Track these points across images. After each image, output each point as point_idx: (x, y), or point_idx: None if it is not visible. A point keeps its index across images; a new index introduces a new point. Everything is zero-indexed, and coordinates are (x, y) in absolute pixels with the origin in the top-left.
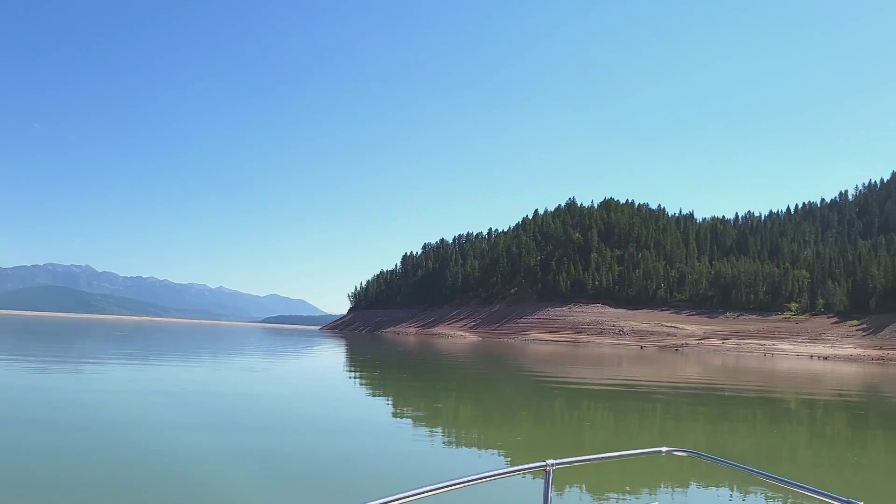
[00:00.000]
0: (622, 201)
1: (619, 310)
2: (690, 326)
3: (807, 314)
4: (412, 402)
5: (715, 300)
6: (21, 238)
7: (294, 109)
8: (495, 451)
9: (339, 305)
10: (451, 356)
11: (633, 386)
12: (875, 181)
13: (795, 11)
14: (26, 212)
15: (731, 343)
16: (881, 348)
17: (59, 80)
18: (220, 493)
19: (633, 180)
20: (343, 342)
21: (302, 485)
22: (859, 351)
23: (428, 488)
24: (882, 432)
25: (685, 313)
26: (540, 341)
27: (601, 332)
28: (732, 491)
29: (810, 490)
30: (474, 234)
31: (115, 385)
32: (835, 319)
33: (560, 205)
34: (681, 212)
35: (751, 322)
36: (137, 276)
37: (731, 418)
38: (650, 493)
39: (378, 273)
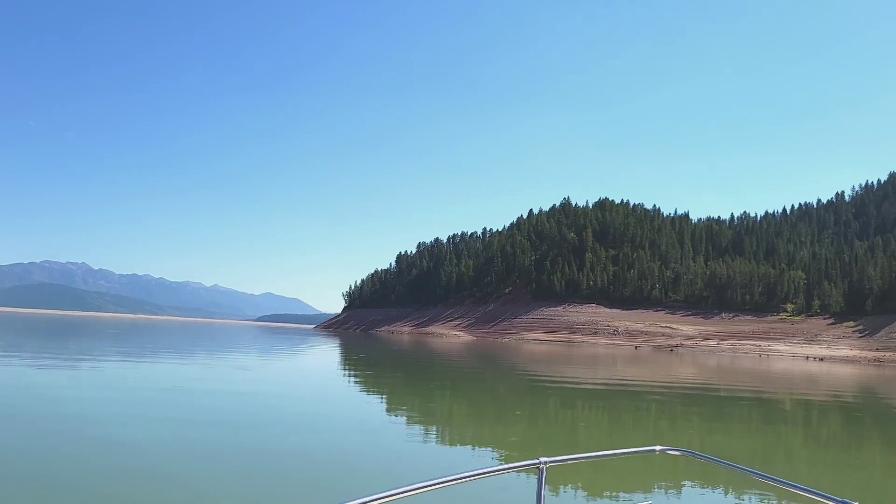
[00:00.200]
0: (617, 201)
1: (614, 310)
2: (685, 327)
3: (802, 315)
4: (406, 401)
5: (710, 301)
6: (17, 235)
7: (288, 107)
8: (489, 449)
9: (334, 304)
10: (445, 355)
11: (627, 386)
12: (872, 182)
13: (792, 15)
14: (22, 209)
15: (726, 344)
16: (877, 350)
17: (51, 74)
18: (214, 488)
19: (628, 180)
20: (337, 341)
21: (295, 480)
22: (855, 352)
23: (422, 485)
24: (877, 433)
25: (680, 314)
26: (534, 341)
27: (596, 332)
28: (727, 490)
29: (805, 490)
30: (469, 233)
31: (107, 382)
32: (831, 321)
33: (555, 204)
34: (676, 212)
35: (746, 323)
36: (133, 274)
37: (725, 419)
38: (644, 492)
39: (373, 272)
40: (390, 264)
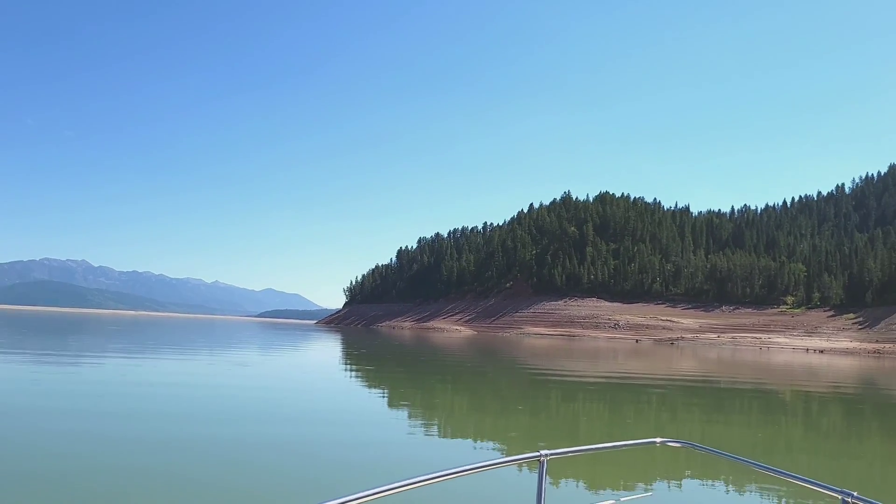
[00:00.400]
0: (617, 195)
1: (615, 303)
2: (686, 320)
3: (803, 308)
4: (408, 395)
5: (710, 294)
6: (17, 233)
7: (288, 106)
8: (490, 443)
9: (335, 300)
10: (446, 350)
11: (628, 379)
12: (872, 174)
13: (793, 12)
14: (22, 207)
15: (726, 337)
16: (877, 341)
17: (51, 74)
18: (219, 479)
19: (628, 174)
20: (339, 336)
21: (296, 474)
22: (855, 344)
23: (423, 478)
24: (877, 424)
25: (681, 307)
26: (535, 335)
27: (596, 326)
28: (727, 481)
29: (804, 480)
30: (469, 228)
31: (111, 377)
32: (831, 313)
33: (555, 198)
34: (676, 205)
35: (746, 316)
36: (133, 271)
37: (726, 411)
38: (645, 484)
39: (373, 267)
40: (391, 259)
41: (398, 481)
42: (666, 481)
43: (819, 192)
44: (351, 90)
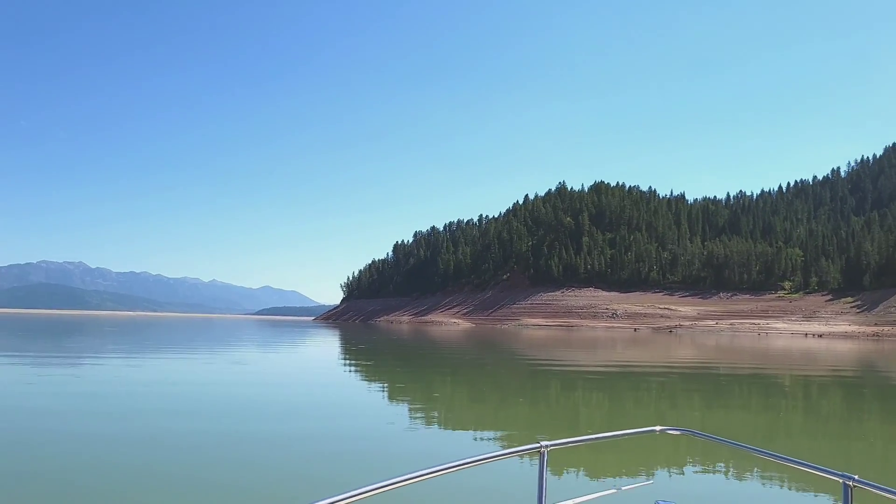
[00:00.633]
0: (613, 184)
1: (612, 293)
2: (684, 308)
3: (800, 293)
4: (407, 389)
5: (708, 281)
6: (14, 236)
7: (282, 101)
8: (490, 435)
9: (333, 296)
10: (444, 343)
11: (627, 368)
12: (867, 157)
13: None
14: (19, 210)
15: (724, 323)
16: (876, 325)
17: (42, 74)
18: (223, 474)
19: (623, 163)
20: (337, 332)
21: (296, 469)
22: (854, 328)
23: (424, 471)
24: (877, 406)
25: (678, 295)
26: (533, 326)
27: (594, 316)
28: (728, 468)
29: (805, 465)
30: (465, 220)
31: (111, 377)
32: (829, 297)
33: (550, 189)
34: (672, 193)
35: (744, 302)
36: (130, 272)
37: (725, 397)
38: (645, 472)
39: (370, 262)
40: (387, 254)
41: (400, 476)
42: (667, 469)
43: (814, 177)
44: (344, 84)
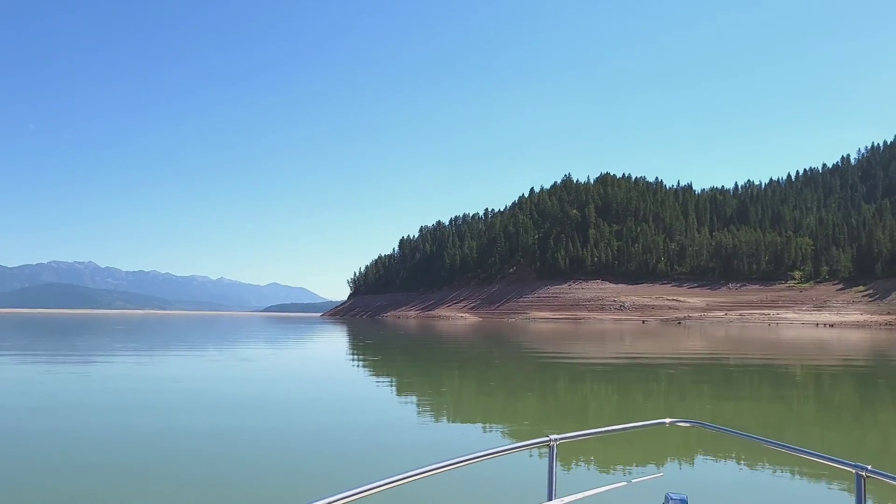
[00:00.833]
0: (619, 175)
1: (619, 285)
2: (692, 299)
3: (811, 282)
4: (415, 384)
5: (716, 272)
6: (25, 238)
7: (287, 95)
8: (499, 429)
9: (340, 292)
10: (452, 337)
11: (636, 361)
12: (878, 144)
13: None
14: (28, 211)
15: (734, 314)
16: (888, 313)
17: (49, 74)
18: (230, 468)
19: (629, 155)
20: (345, 328)
21: (308, 461)
22: (866, 317)
23: (434, 466)
24: (890, 396)
25: (686, 286)
26: (540, 320)
27: (602, 308)
28: (738, 460)
29: (817, 455)
30: (470, 215)
31: (126, 374)
32: (840, 286)
33: (556, 182)
34: (679, 183)
35: (754, 292)
36: (140, 270)
37: (735, 389)
38: (655, 465)
39: (376, 258)
40: (394, 249)
41: (410, 471)
42: (677, 461)
43: (824, 165)
44: (350, 79)
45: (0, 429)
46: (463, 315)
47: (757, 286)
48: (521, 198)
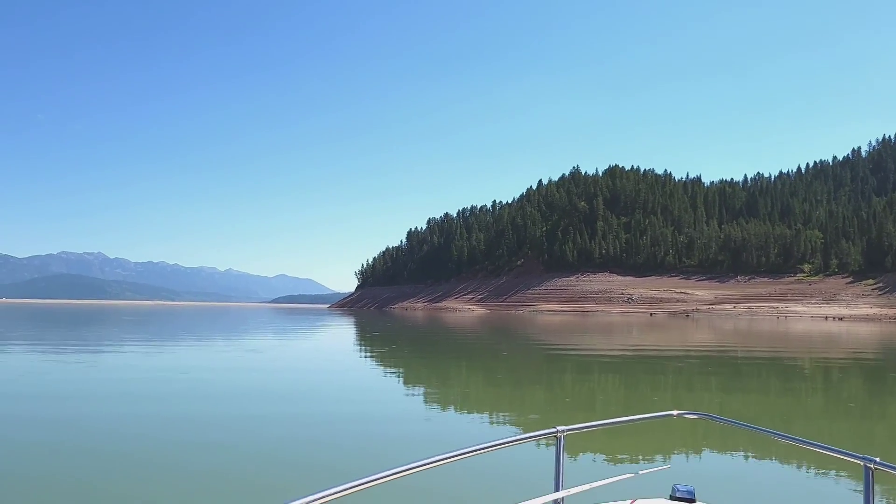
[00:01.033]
0: (627, 168)
1: (627, 277)
2: (700, 292)
3: (820, 275)
4: (423, 376)
5: (725, 264)
6: (35, 229)
7: (295, 87)
8: (507, 420)
9: (347, 283)
10: (459, 330)
11: (643, 353)
12: (889, 136)
13: None
14: (38, 203)
15: (742, 307)
16: None
17: (57, 64)
18: (243, 453)
19: (638, 147)
20: (352, 319)
21: (316, 449)
22: (876, 310)
23: (442, 457)
24: None
25: (695, 279)
26: (548, 312)
27: (610, 301)
28: (746, 451)
29: (825, 448)
30: (478, 207)
31: (135, 364)
32: (849, 279)
33: (564, 174)
34: (688, 176)
35: (762, 285)
36: (149, 262)
37: (743, 381)
38: (663, 457)
39: (384, 249)
40: (401, 241)
41: (417, 461)
42: (684, 453)
43: (834, 157)
44: (358, 71)
45: (8, 416)
46: (470, 307)
47: (766, 279)
48: (529, 190)
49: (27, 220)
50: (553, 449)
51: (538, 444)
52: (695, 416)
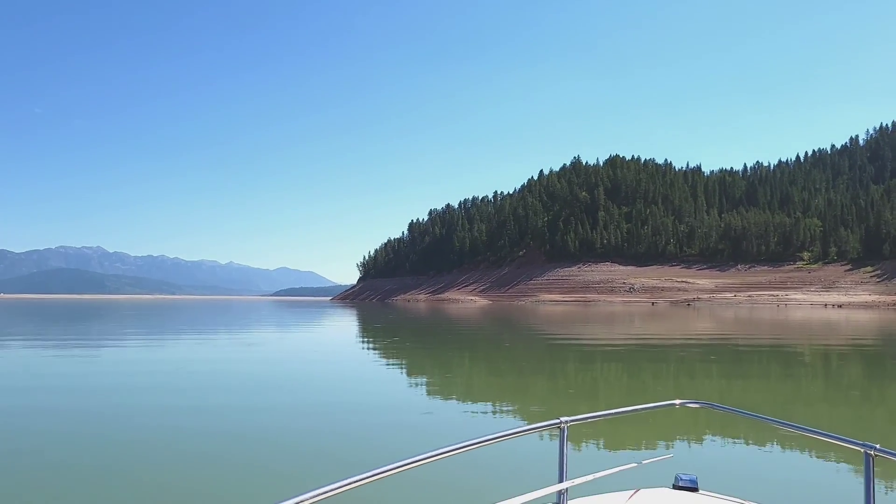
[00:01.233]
0: (628, 157)
1: (629, 267)
2: (701, 281)
3: (819, 263)
4: (426, 367)
5: (725, 253)
6: (32, 223)
7: (295, 80)
8: (510, 410)
9: (349, 275)
10: (462, 321)
11: (645, 342)
12: (886, 124)
13: None
14: (36, 197)
15: (743, 296)
16: None
17: (55, 60)
18: (257, 442)
19: (638, 137)
20: (354, 312)
21: (318, 439)
22: (874, 297)
23: (446, 449)
24: None
25: (696, 268)
26: (550, 302)
27: (612, 291)
28: (748, 439)
29: (825, 435)
30: (480, 197)
31: (137, 358)
32: (848, 267)
33: (565, 164)
34: (688, 165)
35: (762, 273)
36: (148, 255)
37: (744, 369)
38: (666, 446)
39: (386, 241)
40: (403, 233)
41: (422, 454)
42: (686, 442)
43: (833, 146)
44: (357, 64)
45: (11, 407)
46: (473, 298)
47: (766, 267)
48: (531, 180)
49: (25, 214)
50: (556, 439)
51: (541, 435)
52: (696, 405)
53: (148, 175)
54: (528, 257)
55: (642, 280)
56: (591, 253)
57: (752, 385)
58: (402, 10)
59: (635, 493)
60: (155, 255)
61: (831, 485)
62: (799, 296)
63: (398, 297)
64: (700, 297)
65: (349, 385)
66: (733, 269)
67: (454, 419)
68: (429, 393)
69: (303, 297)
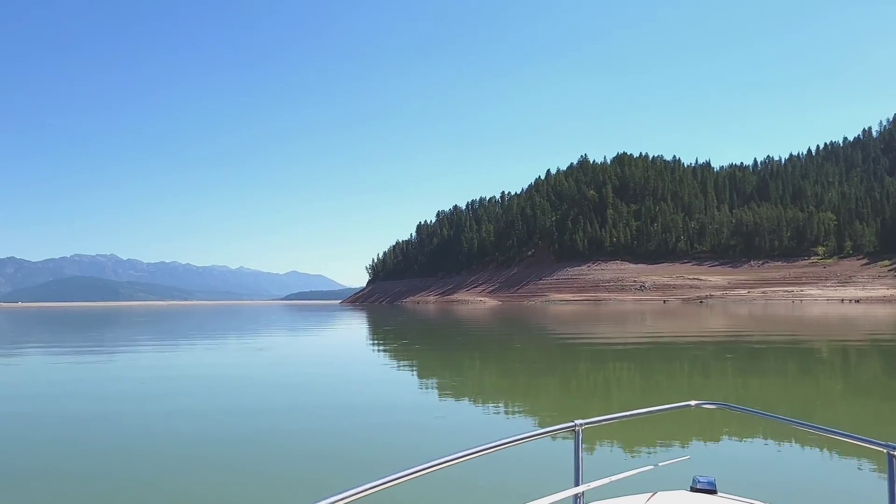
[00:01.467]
0: (635, 155)
1: (639, 265)
2: (714, 277)
3: (834, 257)
4: (437, 369)
5: (737, 249)
6: (48, 233)
7: (300, 80)
8: (524, 414)
9: (358, 278)
10: (472, 322)
11: (658, 341)
12: None
13: None
14: (51, 208)
15: (756, 292)
16: None
17: (67, 74)
18: (271, 444)
19: (646, 133)
20: (364, 314)
21: (339, 442)
22: (893, 291)
23: (461, 453)
24: None
25: (707, 264)
26: (560, 302)
27: (622, 289)
28: (766, 440)
29: (845, 435)
30: (487, 198)
31: (151, 364)
32: (864, 261)
33: (572, 163)
34: (697, 161)
35: (776, 269)
36: (161, 262)
37: (761, 368)
38: (681, 447)
39: (394, 244)
40: (411, 235)
41: (437, 458)
42: (703, 444)
43: (845, 138)
44: (365, 61)
45: (22, 413)
46: (482, 299)
47: (779, 263)
48: (538, 180)
49: (41, 224)
50: (572, 443)
51: (556, 439)
52: (713, 406)
53: (158, 181)
54: (536, 257)
55: (653, 278)
56: (600, 251)
57: (769, 383)
58: (409, 3)
59: (653, 495)
60: (167, 261)
61: (852, 486)
62: (815, 291)
63: (407, 299)
64: (713, 294)
65: (360, 388)
66: (746, 266)
67: (467, 421)
68: (441, 395)
69: (313, 300)
